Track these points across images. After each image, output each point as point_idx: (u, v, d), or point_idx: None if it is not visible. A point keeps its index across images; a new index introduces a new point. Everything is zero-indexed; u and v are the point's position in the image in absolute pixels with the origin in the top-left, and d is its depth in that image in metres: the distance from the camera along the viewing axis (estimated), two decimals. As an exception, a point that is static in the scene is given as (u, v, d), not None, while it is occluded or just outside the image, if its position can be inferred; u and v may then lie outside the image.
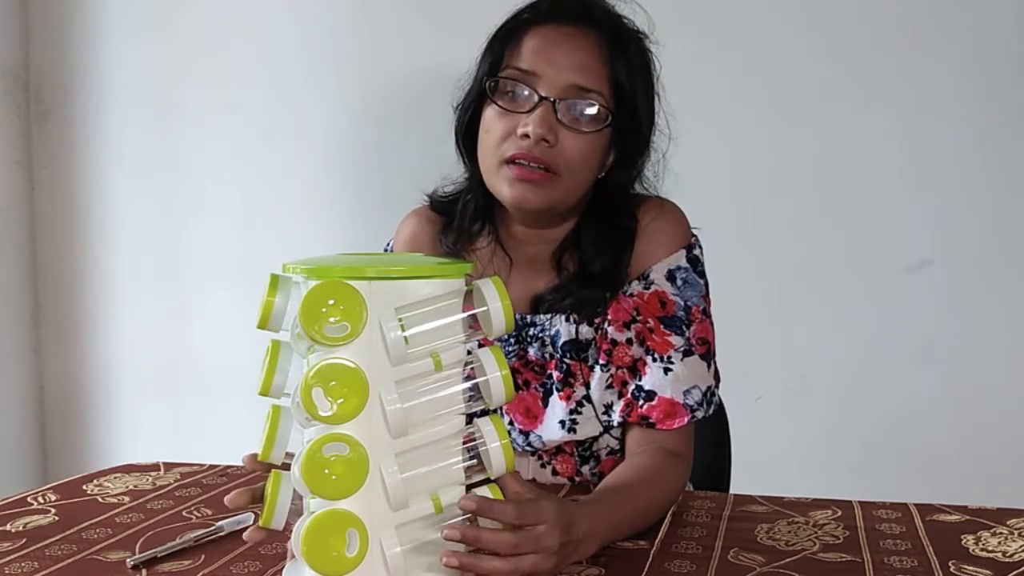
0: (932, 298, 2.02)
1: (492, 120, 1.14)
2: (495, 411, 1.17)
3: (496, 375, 0.80)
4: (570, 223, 1.20)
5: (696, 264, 1.20)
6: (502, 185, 1.13)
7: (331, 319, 0.75)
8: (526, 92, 1.12)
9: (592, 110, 1.12)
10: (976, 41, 1.96)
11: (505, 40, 1.16)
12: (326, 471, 0.75)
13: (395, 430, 0.77)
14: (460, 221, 1.23)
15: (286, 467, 0.82)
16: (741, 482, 1.42)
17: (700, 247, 1.22)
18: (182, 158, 2.42)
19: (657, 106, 1.19)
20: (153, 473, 1.26)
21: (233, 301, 2.33)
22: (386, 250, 1.31)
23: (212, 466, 1.28)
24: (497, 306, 0.79)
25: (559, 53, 1.12)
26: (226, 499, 0.86)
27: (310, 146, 2.33)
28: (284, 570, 0.84)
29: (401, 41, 2.25)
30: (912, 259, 2.02)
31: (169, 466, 1.29)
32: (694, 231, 1.22)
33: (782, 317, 2.08)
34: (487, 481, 0.84)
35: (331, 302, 0.75)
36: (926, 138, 2.00)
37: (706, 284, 1.21)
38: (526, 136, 1.10)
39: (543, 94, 1.11)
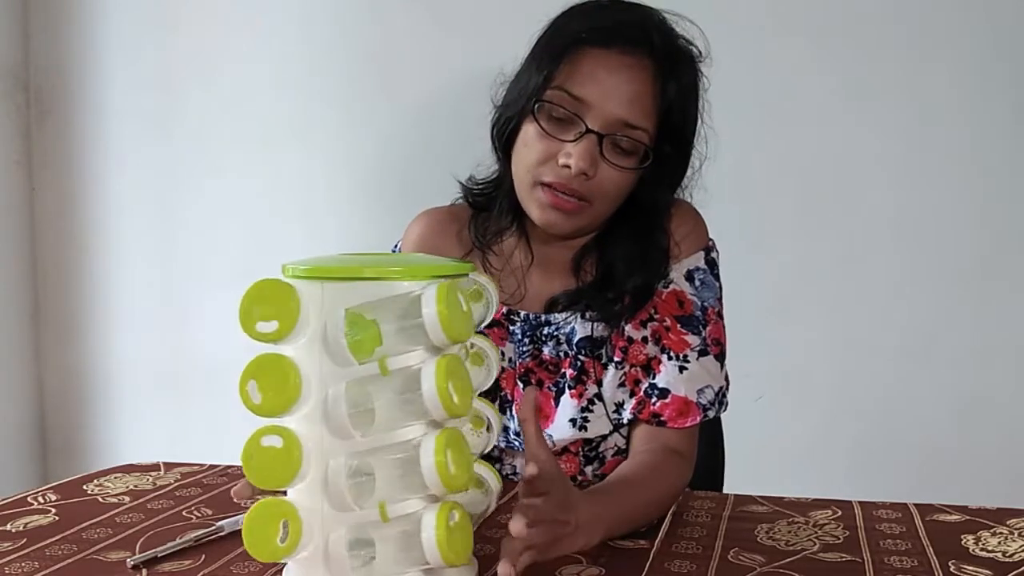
0: (932, 298, 2.02)
1: (533, 138, 1.11)
2: (504, 411, 1.18)
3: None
4: (594, 231, 1.20)
5: (713, 266, 1.21)
6: (533, 206, 1.13)
7: (262, 317, 0.78)
8: (573, 121, 1.09)
9: (634, 146, 1.10)
10: (974, 42, 1.96)
11: (559, 56, 1.10)
12: (261, 460, 0.77)
13: (338, 431, 0.77)
14: (497, 216, 1.22)
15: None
16: (740, 482, 1.42)
17: (717, 251, 1.23)
18: (182, 158, 2.42)
19: (699, 125, 1.17)
20: (153, 473, 1.26)
21: (233, 301, 2.31)
22: (394, 251, 1.31)
23: (212, 466, 1.28)
24: (431, 312, 0.75)
25: (612, 84, 1.08)
26: (232, 491, 0.88)
27: (310, 146, 2.33)
28: (284, 570, 0.85)
29: (405, 41, 2.25)
30: (912, 259, 2.03)
31: (169, 466, 1.29)
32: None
33: (782, 317, 2.08)
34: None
35: (263, 301, 0.78)
36: (925, 138, 2.00)
37: (720, 287, 1.22)
38: (567, 167, 1.08)
39: (590, 126, 1.08)
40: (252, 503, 0.84)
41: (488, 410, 0.88)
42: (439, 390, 0.74)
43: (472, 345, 0.87)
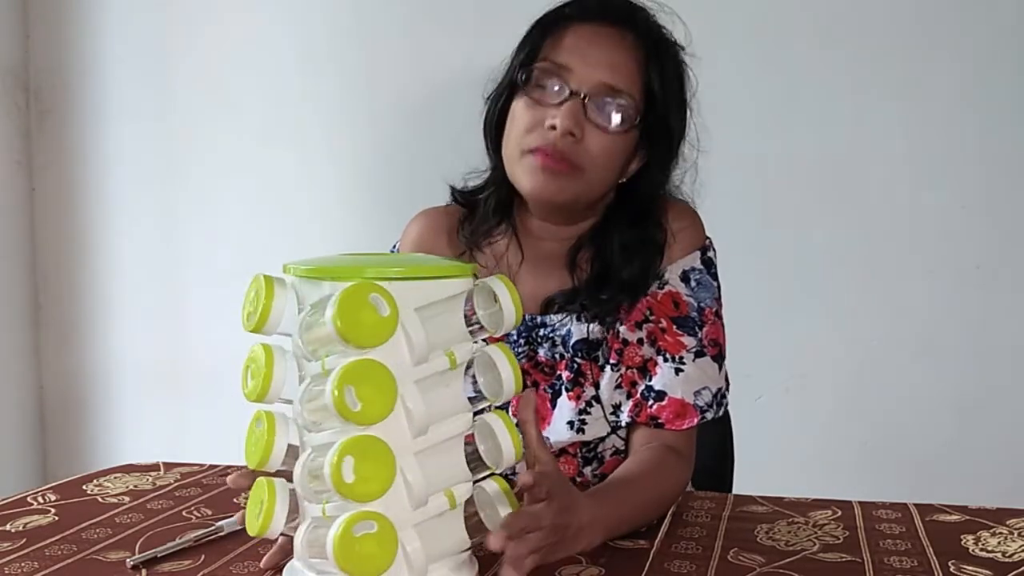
0: (933, 297, 2.02)
1: (521, 111, 1.14)
2: (504, 410, 1.18)
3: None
4: (587, 223, 1.20)
5: (710, 266, 1.21)
6: (524, 174, 1.13)
7: (250, 310, 0.79)
8: (557, 86, 1.12)
9: (620, 110, 1.12)
10: (977, 41, 1.96)
11: (544, 33, 1.16)
12: (249, 440, 0.78)
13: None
14: (484, 212, 1.23)
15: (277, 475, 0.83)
16: (741, 482, 1.42)
17: (714, 250, 1.22)
18: (182, 158, 2.42)
19: (689, 120, 1.19)
20: (153, 473, 1.26)
21: (233, 301, 2.32)
22: (392, 251, 1.31)
23: (212, 466, 1.28)
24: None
25: (595, 50, 1.12)
26: (228, 479, 0.89)
27: (310, 146, 2.33)
28: (285, 569, 0.85)
29: (405, 41, 2.25)
30: (912, 259, 2.03)
31: (169, 466, 1.29)
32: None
33: (782, 317, 2.08)
34: (492, 474, 0.84)
35: (255, 296, 0.78)
36: (927, 138, 2.00)
37: (718, 287, 1.21)
38: (553, 128, 1.10)
39: (574, 88, 1.11)
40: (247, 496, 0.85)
41: (500, 425, 0.83)
42: (333, 395, 0.73)
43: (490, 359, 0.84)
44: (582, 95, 1.11)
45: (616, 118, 1.12)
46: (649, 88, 1.14)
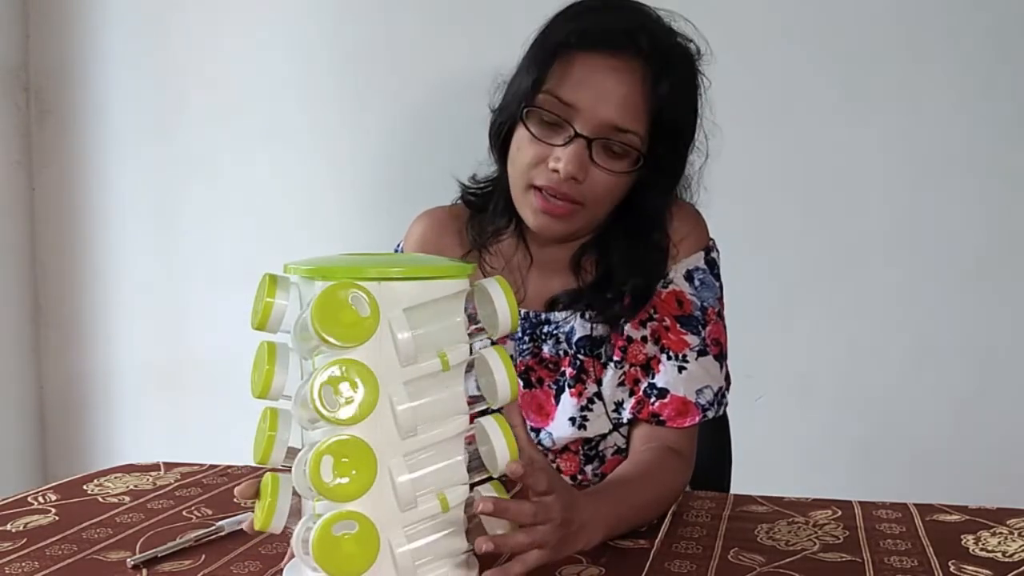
0: (933, 298, 2.02)
1: (525, 143, 1.11)
2: (499, 410, 1.18)
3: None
4: (592, 232, 1.20)
5: (713, 266, 1.21)
6: (527, 210, 1.13)
7: (253, 310, 0.78)
8: (561, 126, 1.09)
9: (626, 151, 1.10)
10: (978, 41, 1.96)
11: (549, 60, 1.10)
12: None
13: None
14: (492, 215, 1.23)
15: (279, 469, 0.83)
16: (741, 482, 1.42)
17: (717, 251, 1.22)
18: (182, 158, 2.42)
19: (698, 125, 1.17)
20: (153, 473, 1.26)
21: (233, 301, 2.32)
22: (396, 251, 1.31)
23: (212, 466, 1.29)
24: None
25: (602, 88, 1.08)
26: (236, 490, 0.88)
27: (311, 145, 2.33)
28: (285, 570, 0.85)
29: (407, 41, 2.25)
30: (913, 260, 2.03)
31: (169, 466, 1.29)
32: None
33: (782, 317, 2.08)
34: (490, 478, 0.84)
35: (259, 295, 0.78)
36: (927, 138, 2.00)
37: (721, 287, 1.22)
38: (556, 171, 1.08)
39: (579, 131, 1.08)
40: (253, 503, 0.84)
41: (495, 428, 0.82)
42: (311, 395, 0.73)
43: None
44: (587, 137, 1.08)
45: (621, 159, 1.10)
46: (658, 114, 1.10)
